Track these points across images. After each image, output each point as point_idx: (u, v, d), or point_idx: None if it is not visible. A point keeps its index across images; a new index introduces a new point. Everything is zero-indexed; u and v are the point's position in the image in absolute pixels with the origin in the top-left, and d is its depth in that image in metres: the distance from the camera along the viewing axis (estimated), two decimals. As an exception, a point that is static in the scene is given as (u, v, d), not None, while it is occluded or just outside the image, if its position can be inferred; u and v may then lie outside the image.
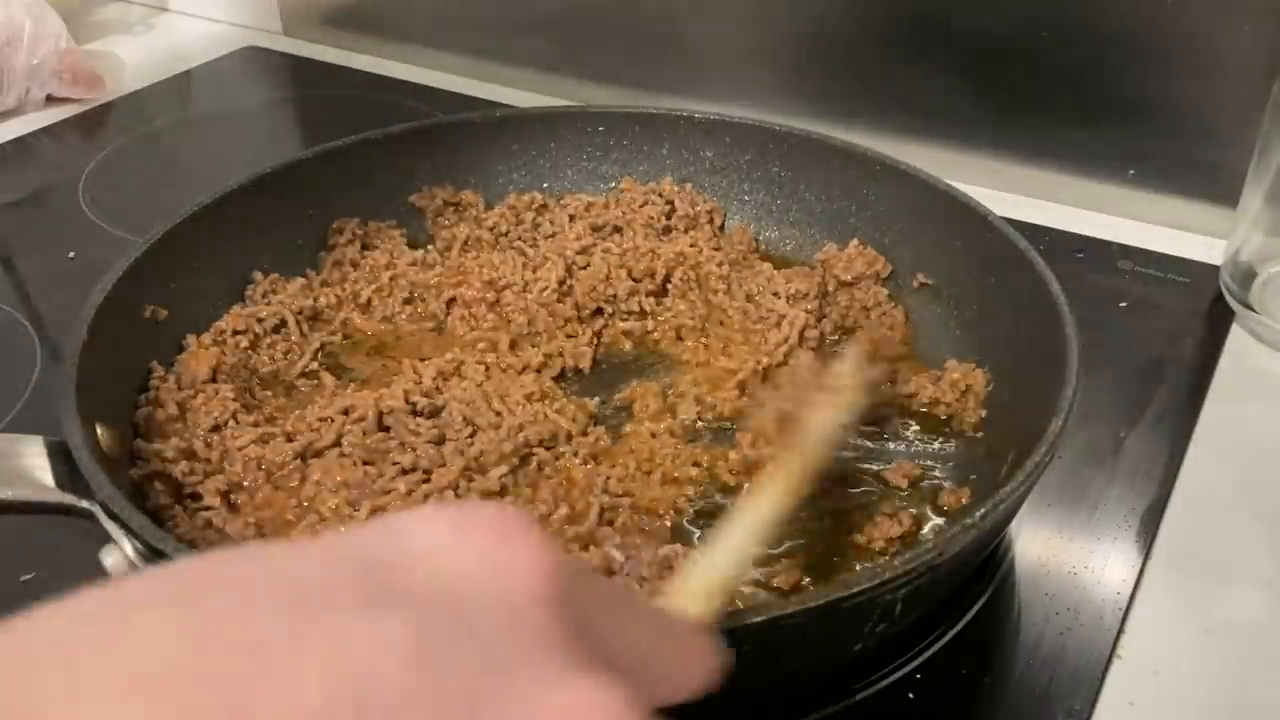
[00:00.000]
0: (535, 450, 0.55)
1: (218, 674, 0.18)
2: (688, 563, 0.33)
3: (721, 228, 0.75)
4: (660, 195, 0.75)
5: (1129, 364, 0.66)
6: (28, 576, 0.53)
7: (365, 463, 0.53)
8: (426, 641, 0.19)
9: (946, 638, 0.49)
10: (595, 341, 0.65)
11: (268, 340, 0.64)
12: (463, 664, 0.19)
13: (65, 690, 0.18)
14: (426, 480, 0.52)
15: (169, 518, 0.50)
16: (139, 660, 0.18)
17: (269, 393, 0.61)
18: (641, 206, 0.74)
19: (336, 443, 0.54)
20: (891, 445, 0.58)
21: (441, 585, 0.21)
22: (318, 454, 0.54)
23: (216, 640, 0.18)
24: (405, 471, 0.52)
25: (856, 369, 0.50)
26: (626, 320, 0.67)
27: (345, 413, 0.56)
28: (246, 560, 0.20)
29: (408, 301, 0.68)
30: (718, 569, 0.34)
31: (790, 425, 0.46)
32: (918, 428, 0.59)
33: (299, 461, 0.54)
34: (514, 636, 0.20)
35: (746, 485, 0.53)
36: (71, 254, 0.78)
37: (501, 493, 0.53)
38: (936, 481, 0.56)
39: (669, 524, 0.53)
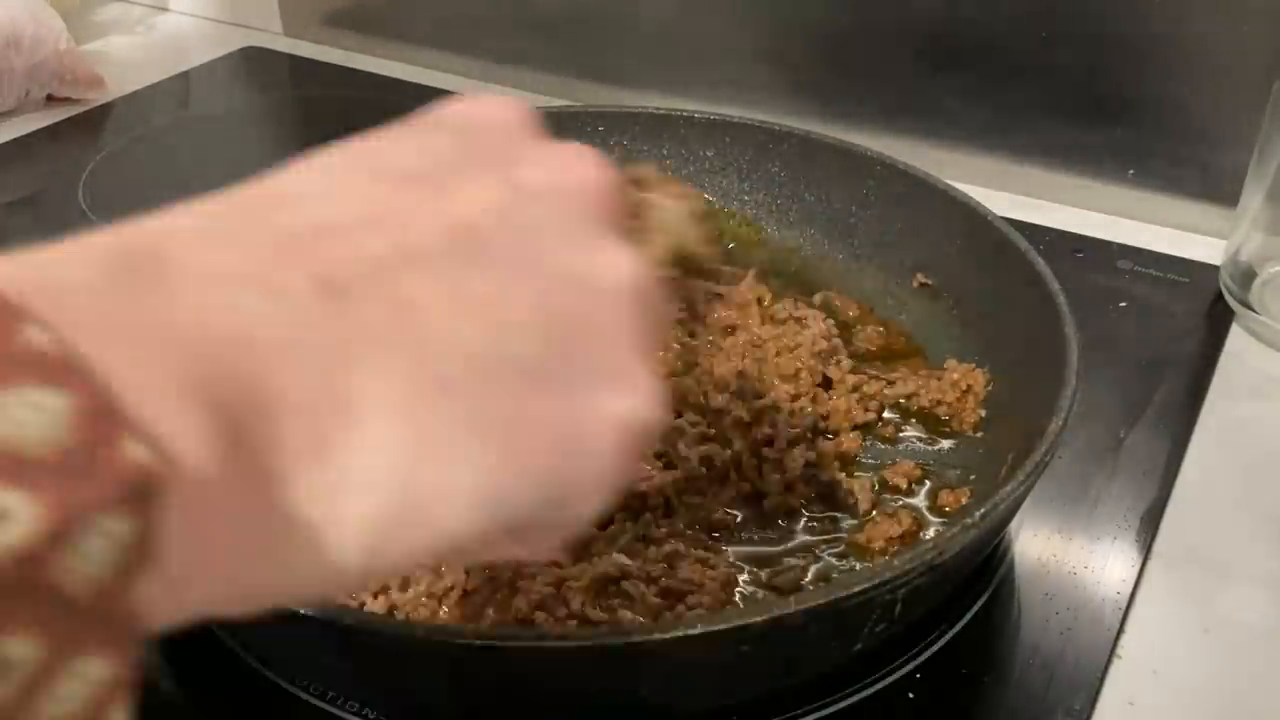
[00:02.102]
0: None
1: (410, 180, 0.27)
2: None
3: (721, 228, 0.75)
4: (660, 195, 0.75)
5: (1129, 364, 0.66)
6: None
7: None
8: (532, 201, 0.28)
9: (946, 638, 0.49)
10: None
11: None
12: (551, 222, 0.28)
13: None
14: None
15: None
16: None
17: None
18: (641, 206, 0.74)
19: None
20: (891, 445, 0.58)
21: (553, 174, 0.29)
22: None
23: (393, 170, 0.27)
24: None
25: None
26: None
27: None
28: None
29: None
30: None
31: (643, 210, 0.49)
32: (918, 428, 0.59)
33: None
34: (586, 214, 0.28)
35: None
36: (71, 254, 0.78)
37: None
38: (936, 481, 0.56)
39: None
